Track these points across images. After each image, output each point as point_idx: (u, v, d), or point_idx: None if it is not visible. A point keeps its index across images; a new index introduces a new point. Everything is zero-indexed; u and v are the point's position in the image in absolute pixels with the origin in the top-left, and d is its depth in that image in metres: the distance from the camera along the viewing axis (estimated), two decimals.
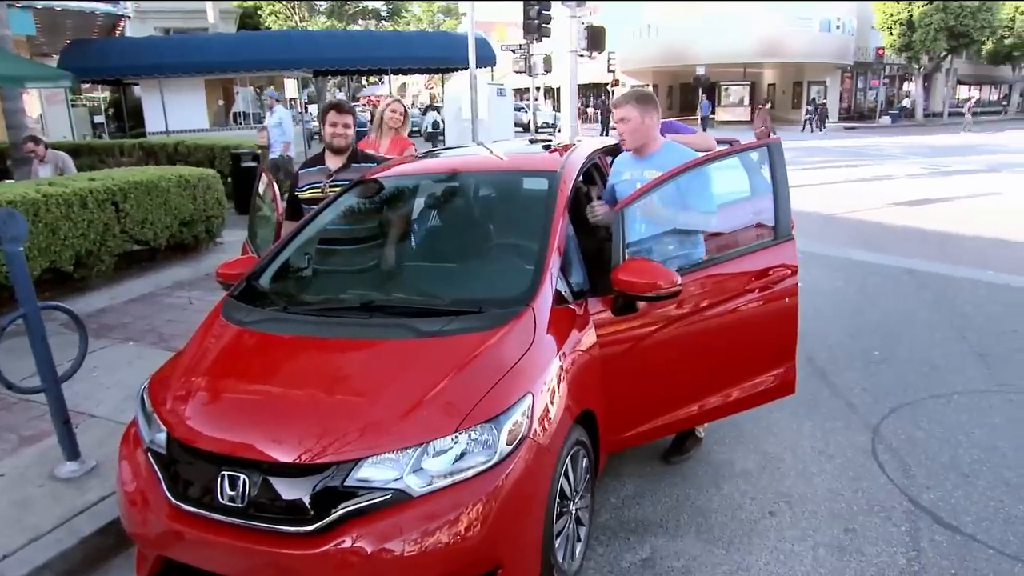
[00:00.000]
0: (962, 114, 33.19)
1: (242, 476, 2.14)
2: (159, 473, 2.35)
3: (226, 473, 2.16)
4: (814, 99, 36.66)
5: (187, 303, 6.26)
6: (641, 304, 2.95)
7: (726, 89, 41.38)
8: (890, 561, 2.80)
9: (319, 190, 3.96)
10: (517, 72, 20.57)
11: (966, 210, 10.78)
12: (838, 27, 37.87)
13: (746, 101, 40.69)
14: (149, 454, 2.42)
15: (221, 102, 18.51)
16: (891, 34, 36.66)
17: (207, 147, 11.35)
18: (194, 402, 2.44)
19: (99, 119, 21.31)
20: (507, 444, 2.18)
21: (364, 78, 45.38)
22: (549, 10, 15.02)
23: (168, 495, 2.28)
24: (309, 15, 28.01)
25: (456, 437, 2.14)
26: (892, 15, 36.20)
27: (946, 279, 6.93)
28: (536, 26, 17.84)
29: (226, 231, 8.62)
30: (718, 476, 3.45)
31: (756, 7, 35.82)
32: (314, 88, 24.19)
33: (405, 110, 5.35)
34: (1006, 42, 40.81)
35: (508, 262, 3.01)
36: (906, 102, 42.24)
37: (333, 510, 2.07)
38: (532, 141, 4.58)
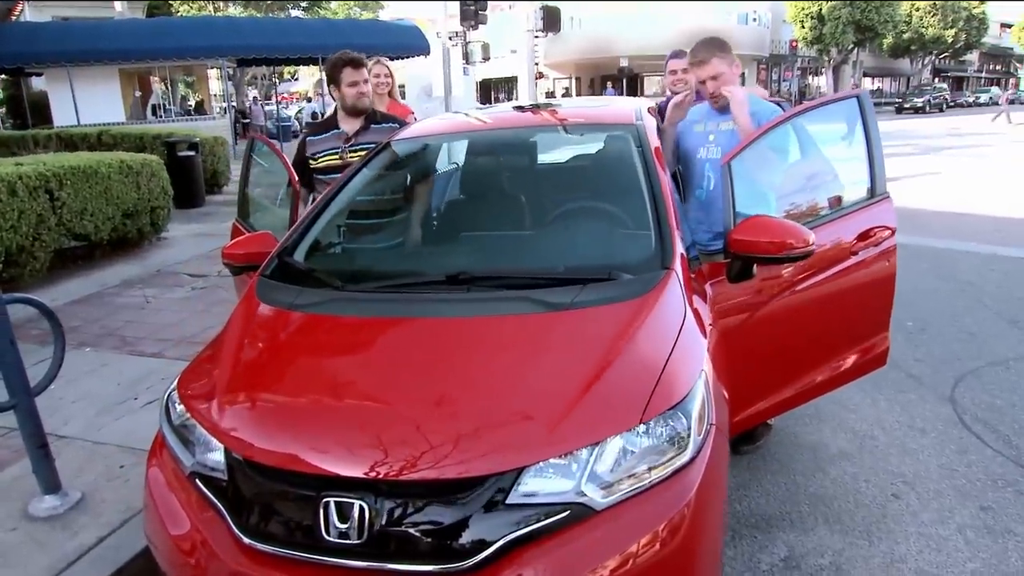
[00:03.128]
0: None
1: (357, 503, 1.58)
2: (218, 506, 1.77)
3: (333, 500, 1.60)
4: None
5: (144, 302, 5.48)
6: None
7: (648, 79, 42.06)
8: None
9: (337, 156, 3.39)
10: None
11: (918, 188, 11.02)
12: (755, 20, 39.12)
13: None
14: (197, 481, 1.84)
15: (138, 93, 17.04)
16: (803, 27, 38.15)
17: (136, 136, 10.28)
18: (264, 410, 1.86)
19: None
20: (698, 434, 1.73)
21: (276, 76, 43.70)
22: None
23: (238, 534, 1.70)
24: (224, 3, 26.42)
25: (641, 430, 1.67)
26: (804, 9, 37.68)
27: (935, 250, 6.91)
28: (473, 12, 17.33)
29: (170, 224, 7.75)
30: (818, 459, 3.11)
31: (678, 6, 36.59)
32: (231, 83, 22.89)
33: (390, 70, 4.70)
34: (904, 37, 43.22)
35: (614, 224, 2.54)
36: (817, 93, 44.12)
37: (495, 538, 1.55)
38: (517, 107, 4.06)
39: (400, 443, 1.65)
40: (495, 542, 1.55)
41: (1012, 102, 28.83)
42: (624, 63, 37.11)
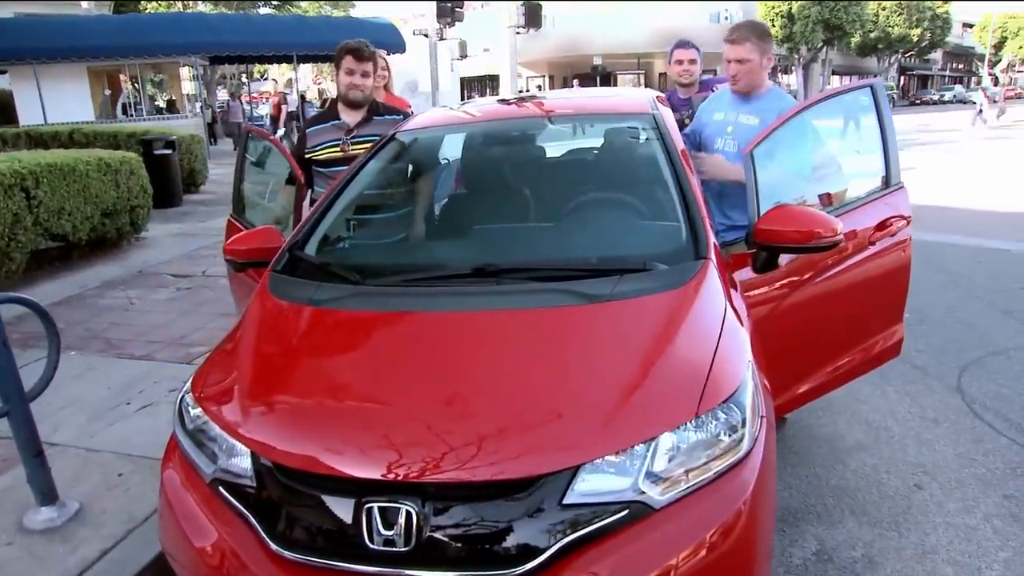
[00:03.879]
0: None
1: (404, 508, 1.49)
2: (246, 515, 1.66)
3: (376, 505, 1.50)
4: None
5: (128, 304, 5.29)
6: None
7: (621, 77, 42.33)
8: None
9: (338, 148, 3.27)
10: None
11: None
12: (726, 18, 39.47)
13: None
14: (221, 489, 1.73)
15: (108, 92, 16.58)
16: (773, 26, 38.60)
17: (109, 135, 9.98)
18: (295, 411, 1.75)
19: None
20: (752, 427, 1.66)
21: (244, 75, 43.09)
22: None
23: (269, 544, 1.59)
24: (193, 1, 25.87)
25: (697, 424, 1.60)
26: (774, 8, 38.19)
27: (922, 243, 6.86)
28: (450, 9, 17.21)
29: (149, 224, 7.53)
30: (836, 451, 3.08)
31: (650, 5, 36.83)
32: (201, 82, 22.47)
33: (387, 63, 4.58)
34: (871, 36, 44.00)
35: (641, 214, 2.48)
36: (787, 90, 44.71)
37: (552, 541, 1.47)
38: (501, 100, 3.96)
39: (447, 444, 1.56)
40: (552, 545, 1.46)
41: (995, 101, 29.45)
42: (597, 61, 37.32)
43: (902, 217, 2.93)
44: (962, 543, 2.44)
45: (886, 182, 2.98)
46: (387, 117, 3.36)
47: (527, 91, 39.90)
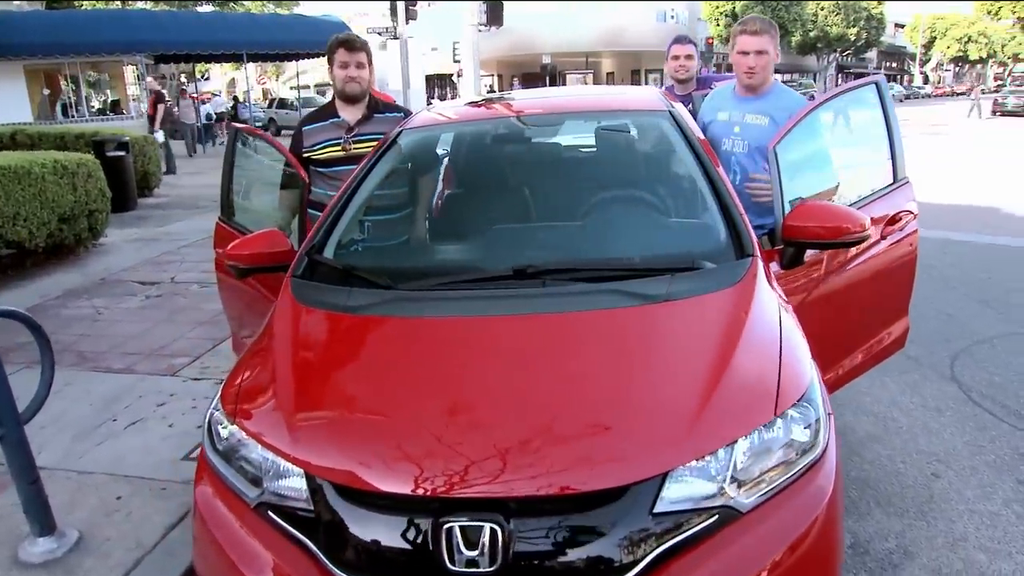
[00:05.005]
0: None
1: (488, 526, 1.41)
2: (304, 541, 1.54)
3: (458, 525, 1.42)
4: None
5: (96, 313, 5.01)
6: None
7: (570, 76, 42.55)
8: None
9: (340, 148, 3.14)
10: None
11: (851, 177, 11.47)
12: (672, 18, 40.16)
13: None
14: (270, 514, 1.61)
15: (47, 91, 15.77)
16: (718, 25, 39.47)
17: (55, 136, 9.47)
18: (353, 428, 1.64)
19: None
20: (825, 424, 1.64)
21: (186, 75, 41.74)
22: None
23: (334, 571, 1.48)
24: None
25: (776, 424, 1.56)
26: (718, 8, 39.01)
27: None
28: (405, 8, 17.01)
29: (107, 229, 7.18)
30: (850, 443, 3.11)
31: (598, 5, 37.14)
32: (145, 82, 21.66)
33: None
34: (811, 35, 45.34)
35: (675, 212, 2.44)
36: None
37: (644, 552, 1.41)
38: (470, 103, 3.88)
39: (528, 455, 1.49)
40: (645, 556, 1.41)
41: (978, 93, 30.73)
42: (547, 60, 37.45)
43: (910, 211, 2.98)
44: (988, 529, 2.49)
45: (893, 176, 3.02)
46: (388, 115, 3.24)
47: (492, 88, 39.76)
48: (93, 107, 16.78)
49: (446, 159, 2.96)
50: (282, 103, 28.97)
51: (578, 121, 2.87)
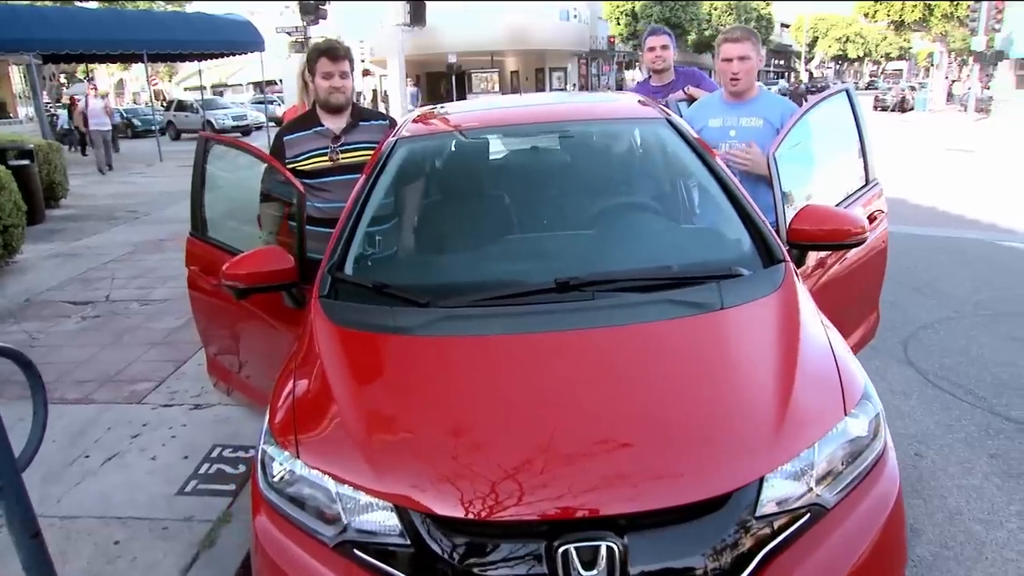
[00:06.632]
0: None
1: (604, 545, 1.41)
2: None
3: (574, 546, 1.42)
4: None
5: (30, 339, 4.62)
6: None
7: (476, 76, 42.55)
8: None
9: (326, 158, 3.03)
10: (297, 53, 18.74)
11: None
12: (575, 16, 40.90)
13: (496, 87, 42.21)
14: (356, 552, 1.54)
15: None
16: (619, 24, 40.64)
17: None
18: (439, 456, 1.58)
19: None
20: (883, 419, 1.75)
21: (66, 76, 38.98)
22: None
23: None
24: None
25: (847, 422, 1.65)
26: (618, 7, 40.15)
27: None
28: (314, 7, 16.58)
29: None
30: None
31: (501, 4, 37.39)
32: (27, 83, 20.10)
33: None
34: (706, 33, 47.40)
35: (699, 218, 2.50)
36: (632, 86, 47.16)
37: (753, 554, 1.46)
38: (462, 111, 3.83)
39: (629, 469, 1.52)
40: (754, 558, 1.47)
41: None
42: (452, 59, 37.30)
43: (882, 210, 3.19)
44: (977, 502, 2.71)
45: (866, 178, 3.21)
46: (373, 123, 3.17)
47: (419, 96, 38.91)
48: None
49: (453, 169, 2.90)
50: (181, 105, 27.40)
51: (581, 128, 2.89)
